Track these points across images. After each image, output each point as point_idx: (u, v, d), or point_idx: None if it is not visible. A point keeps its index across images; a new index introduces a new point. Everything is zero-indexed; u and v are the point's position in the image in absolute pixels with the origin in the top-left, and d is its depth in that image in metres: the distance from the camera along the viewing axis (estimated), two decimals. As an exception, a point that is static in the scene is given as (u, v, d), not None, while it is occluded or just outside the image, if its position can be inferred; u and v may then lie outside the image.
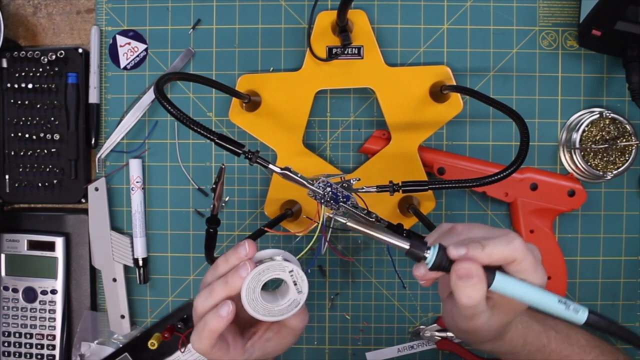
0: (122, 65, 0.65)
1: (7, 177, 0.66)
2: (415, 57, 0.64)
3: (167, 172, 0.66)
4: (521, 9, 0.64)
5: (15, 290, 0.66)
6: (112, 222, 0.66)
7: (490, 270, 0.38)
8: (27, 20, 0.67)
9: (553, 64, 0.64)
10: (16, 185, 0.66)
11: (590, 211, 0.64)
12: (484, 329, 0.41)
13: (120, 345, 0.66)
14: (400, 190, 0.48)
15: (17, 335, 0.66)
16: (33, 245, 0.65)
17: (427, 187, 0.49)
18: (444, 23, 0.64)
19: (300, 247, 0.66)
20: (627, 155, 0.61)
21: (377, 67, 0.62)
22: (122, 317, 0.66)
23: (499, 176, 0.46)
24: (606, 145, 0.61)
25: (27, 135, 0.65)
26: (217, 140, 0.43)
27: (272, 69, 0.65)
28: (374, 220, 0.46)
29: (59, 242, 0.65)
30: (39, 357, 0.66)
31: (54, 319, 0.65)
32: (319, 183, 0.42)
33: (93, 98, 0.65)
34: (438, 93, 0.60)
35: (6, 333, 0.66)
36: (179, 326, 0.65)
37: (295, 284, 0.42)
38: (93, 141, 0.65)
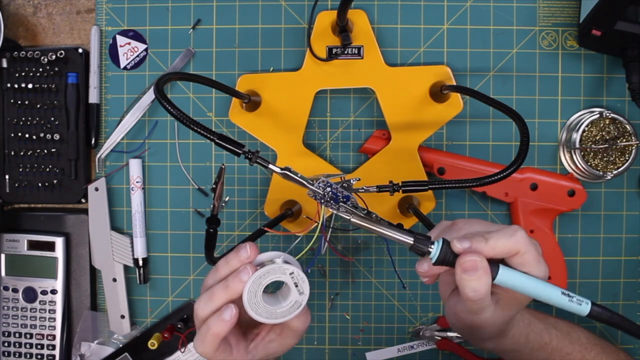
0: (122, 65, 0.65)
1: (7, 177, 0.66)
2: (415, 57, 0.64)
3: (167, 172, 0.66)
4: (521, 9, 0.64)
5: (15, 290, 0.66)
6: (112, 222, 0.66)
7: (494, 264, 0.38)
8: (27, 20, 0.67)
9: (553, 64, 0.64)
10: (16, 185, 0.66)
11: (590, 211, 0.64)
12: (488, 324, 0.41)
13: (120, 345, 0.66)
14: (400, 190, 0.48)
15: (17, 335, 0.66)
16: (33, 245, 0.65)
17: (427, 187, 0.48)
18: (444, 23, 0.64)
19: (300, 247, 0.66)
20: (627, 155, 0.61)
21: (377, 67, 0.62)
22: (122, 317, 0.66)
23: (499, 176, 0.46)
24: (606, 145, 0.61)
25: (27, 135, 0.65)
26: (217, 140, 0.43)
27: (272, 69, 0.65)
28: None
29: (59, 242, 0.65)
30: (39, 357, 0.66)
31: (54, 319, 0.65)
32: (319, 183, 0.42)
33: (93, 98, 0.65)
34: (438, 93, 0.60)
35: (6, 333, 0.66)
36: (179, 326, 0.65)
37: (297, 286, 0.42)
38: (93, 141, 0.65)
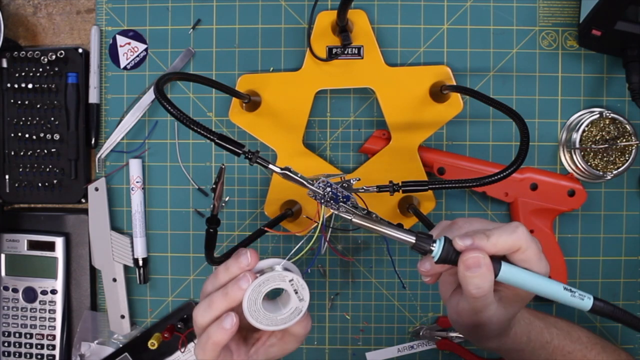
0: (122, 65, 0.65)
1: (7, 177, 0.66)
2: (415, 57, 0.64)
3: (167, 172, 0.66)
4: (521, 9, 0.64)
5: (15, 290, 0.66)
6: (112, 222, 0.66)
7: (496, 261, 0.38)
8: (27, 20, 0.67)
9: (553, 64, 0.64)
10: (16, 185, 0.66)
11: (590, 211, 0.64)
12: (491, 322, 0.41)
13: (120, 345, 0.66)
14: (400, 190, 0.48)
15: (17, 335, 0.66)
16: (33, 245, 0.65)
17: (427, 187, 0.48)
18: (444, 23, 0.64)
19: (300, 247, 0.66)
20: (627, 155, 0.61)
21: (377, 67, 0.62)
22: (122, 317, 0.66)
23: (499, 176, 0.46)
24: (606, 145, 0.61)
25: (27, 135, 0.65)
26: (217, 140, 0.43)
27: (272, 69, 0.65)
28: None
29: (59, 242, 0.65)
30: (39, 357, 0.66)
31: (54, 319, 0.65)
32: (319, 183, 0.42)
33: (93, 98, 0.65)
34: (438, 93, 0.60)
35: (6, 333, 0.66)
36: (179, 326, 0.65)
37: (297, 293, 0.42)
38: (93, 141, 0.65)
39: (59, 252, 0.65)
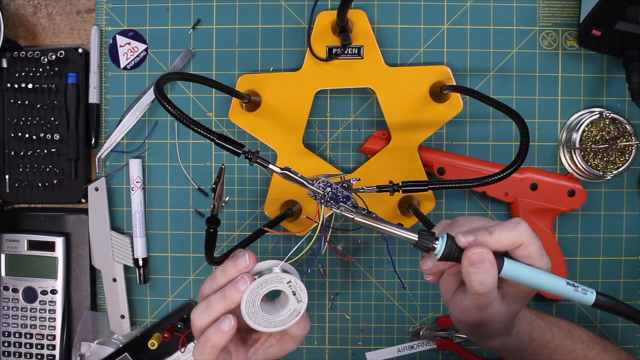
0: (122, 65, 0.65)
1: (7, 177, 0.66)
2: (415, 57, 0.64)
3: (167, 172, 0.66)
4: (521, 9, 0.64)
5: (15, 290, 0.66)
6: (112, 222, 0.66)
7: (498, 257, 0.38)
8: (27, 20, 0.67)
9: (553, 64, 0.64)
10: (16, 185, 0.66)
11: (590, 211, 0.64)
12: (495, 319, 0.41)
13: (120, 345, 0.66)
14: (400, 190, 0.48)
15: (17, 335, 0.66)
16: (33, 245, 0.65)
17: (427, 187, 0.48)
18: (444, 23, 0.64)
19: (300, 247, 0.65)
20: (627, 155, 0.61)
21: (377, 67, 0.62)
22: (122, 317, 0.66)
23: (499, 176, 0.46)
24: (606, 145, 0.61)
25: (27, 135, 0.65)
26: (217, 140, 0.43)
27: (272, 69, 0.65)
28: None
29: (59, 242, 0.65)
30: (39, 357, 0.66)
31: (54, 319, 0.65)
32: (319, 183, 0.42)
33: (93, 98, 0.65)
34: (438, 93, 0.60)
35: (6, 333, 0.66)
36: (179, 326, 0.65)
37: (295, 294, 0.42)
38: (93, 141, 0.65)
39: (59, 252, 0.65)
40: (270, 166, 0.43)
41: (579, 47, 0.64)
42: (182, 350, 0.65)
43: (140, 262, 0.65)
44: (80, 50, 0.64)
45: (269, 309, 0.43)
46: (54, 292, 0.65)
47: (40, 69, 0.64)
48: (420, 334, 0.65)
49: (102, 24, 0.65)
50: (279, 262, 0.43)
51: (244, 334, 0.46)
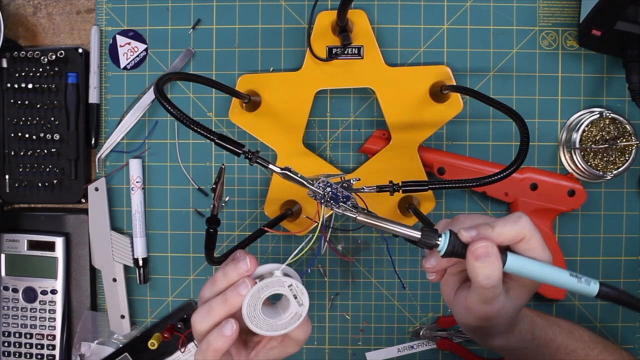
0: (122, 65, 0.65)
1: (7, 177, 0.66)
2: (415, 57, 0.64)
3: (167, 172, 0.66)
4: (521, 9, 0.64)
5: (15, 290, 0.66)
6: (112, 222, 0.66)
7: (502, 252, 0.38)
8: (27, 20, 0.67)
9: (553, 64, 0.64)
10: (16, 185, 0.66)
11: (590, 211, 0.64)
12: (500, 315, 0.41)
13: (120, 345, 0.67)
14: (400, 190, 0.48)
15: (17, 335, 0.66)
16: (33, 245, 0.65)
17: (427, 187, 0.48)
18: (444, 23, 0.64)
19: (300, 248, 0.65)
20: (627, 155, 0.61)
21: (377, 67, 0.62)
22: (122, 317, 0.66)
23: (499, 176, 0.46)
24: (606, 145, 0.61)
25: (27, 135, 0.65)
26: (217, 140, 0.43)
27: (272, 69, 0.65)
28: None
29: (59, 242, 0.65)
30: (39, 357, 0.66)
31: (54, 319, 0.65)
32: (319, 183, 0.42)
33: (93, 98, 0.65)
34: (438, 93, 0.60)
35: (6, 333, 0.66)
36: (179, 326, 0.65)
37: (296, 297, 0.42)
38: (93, 141, 0.65)
39: (59, 252, 0.65)
40: (270, 166, 0.43)
41: (579, 47, 0.64)
42: (182, 350, 0.65)
43: (140, 262, 0.65)
44: (80, 50, 0.64)
45: (271, 312, 0.43)
46: (54, 292, 0.65)
47: (40, 69, 0.64)
48: (420, 334, 0.65)
49: (102, 24, 0.65)
50: (280, 265, 0.43)
51: (245, 336, 0.46)
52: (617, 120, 0.61)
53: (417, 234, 0.39)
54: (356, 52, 0.62)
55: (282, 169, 0.42)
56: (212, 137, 0.42)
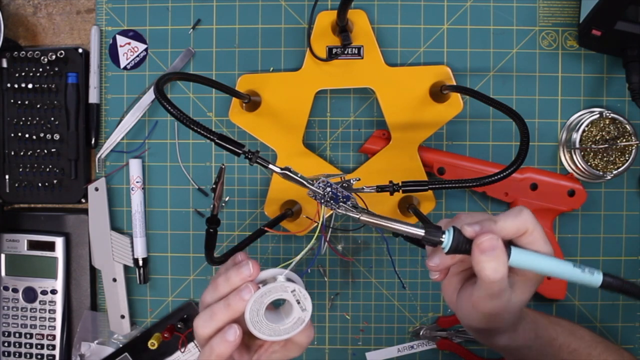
0: (122, 65, 0.65)
1: (7, 177, 0.66)
2: (415, 57, 0.64)
3: (167, 172, 0.66)
4: (521, 9, 0.64)
5: (15, 290, 0.66)
6: (112, 222, 0.66)
7: (505, 246, 0.38)
8: (27, 20, 0.67)
9: (553, 64, 0.64)
10: (16, 185, 0.66)
11: (590, 211, 0.64)
12: (506, 310, 0.41)
13: (120, 345, 0.66)
14: (400, 190, 0.48)
15: (17, 335, 0.66)
16: (33, 245, 0.65)
17: (427, 187, 0.49)
18: (444, 23, 0.64)
19: (300, 247, 0.66)
20: (627, 155, 0.61)
21: (377, 67, 0.62)
22: (122, 317, 0.66)
23: (499, 176, 0.46)
24: (606, 145, 0.61)
25: (27, 135, 0.65)
26: (217, 140, 0.43)
27: (272, 69, 0.65)
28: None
29: (59, 242, 0.65)
30: (39, 357, 0.66)
31: (54, 319, 0.65)
32: (319, 183, 0.42)
33: (93, 98, 0.65)
34: (438, 93, 0.60)
35: (6, 333, 0.66)
36: (179, 326, 0.65)
37: (299, 303, 0.42)
38: (93, 141, 0.65)
39: (59, 252, 0.65)
40: (270, 166, 0.43)
41: (579, 47, 0.64)
42: (182, 350, 0.65)
43: (140, 262, 0.65)
44: (80, 50, 0.64)
45: (273, 317, 0.43)
46: (54, 292, 0.65)
47: (40, 69, 0.64)
48: (420, 334, 0.65)
49: (102, 24, 0.65)
50: (283, 270, 0.43)
51: (248, 340, 0.46)
52: (617, 120, 0.61)
53: (420, 232, 0.39)
54: (356, 52, 0.62)
55: (282, 169, 0.42)
56: (212, 137, 0.43)
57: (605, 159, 0.61)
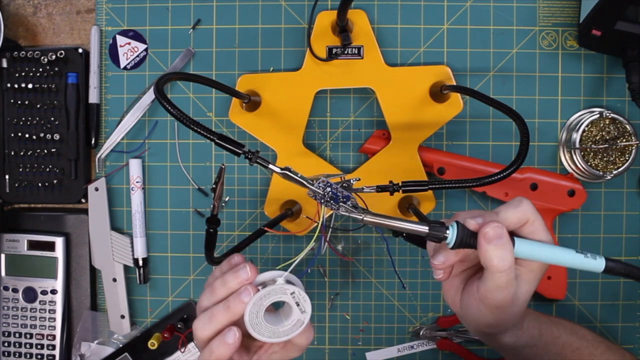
0: (122, 65, 0.65)
1: (7, 177, 0.66)
2: (415, 57, 0.64)
3: (167, 172, 0.66)
4: (521, 9, 0.64)
5: (15, 290, 0.66)
6: (112, 222, 0.66)
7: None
8: (27, 20, 0.67)
9: (553, 64, 0.64)
10: (16, 185, 0.66)
11: (590, 211, 0.64)
12: (513, 302, 0.41)
13: (120, 345, 0.67)
14: (400, 190, 0.48)
15: (17, 335, 0.66)
16: (33, 245, 0.65)
17: (427, 187, 0.49)
18: (444, 23, 0.64)
19: (300, 247, 0.66)
20: (627, 155, 0.61)
21: (377, 67, 0.62)
22: (122, 317, 0.66)
23: (499, 176, 0.46)
24: (606, 145, 0.61)
25: (27, 135, 0.65)
26: (217, 140, 0.43)
27: (272, 69, 0.65)
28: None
29: (59, 242, 0.65)
30: (39, 357, 0.66)
31: (54, 319, 0.65)
32: (319, 183, 0.42)
33: (93, 98, 0.65)
34: (438, 93, 0.60)
35: (6, 333, 0.66)
36: (179, 326, 0.65)
37: (298, 305, 0.42)
38: (93, 141, 0.65)
39: (59, 252, 0.65)
40: (270, 166, 0.43)
41: (579, 47, 0.64)
42: (182, 350, 0.65)
43: (140, 262, 0.65)
44: (80, 50, 0.64)
45: (273, 319, 0.43)
46: (54, 292, 0.65)
47: (40, 69, 0.64)
48: (420, 334, 0.65)
49: (102, 24, 0.65)
50: (282, 272, 0.43)
51: (247, 341, 0.46)
52: (617, 120, 0.61)
53: (424, 228, 0.39)
54: (356, 52, 0.62)
55: (282, 169, 0.42)
56: (212, 137, 0.43)
57: (605, 159, 0.61)
